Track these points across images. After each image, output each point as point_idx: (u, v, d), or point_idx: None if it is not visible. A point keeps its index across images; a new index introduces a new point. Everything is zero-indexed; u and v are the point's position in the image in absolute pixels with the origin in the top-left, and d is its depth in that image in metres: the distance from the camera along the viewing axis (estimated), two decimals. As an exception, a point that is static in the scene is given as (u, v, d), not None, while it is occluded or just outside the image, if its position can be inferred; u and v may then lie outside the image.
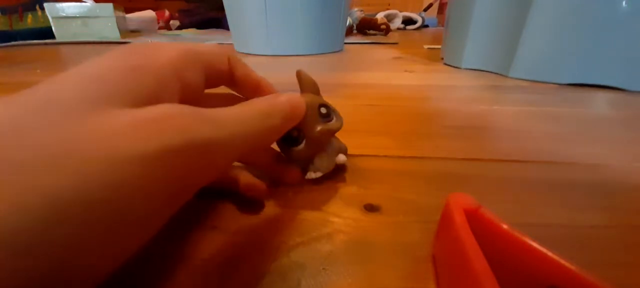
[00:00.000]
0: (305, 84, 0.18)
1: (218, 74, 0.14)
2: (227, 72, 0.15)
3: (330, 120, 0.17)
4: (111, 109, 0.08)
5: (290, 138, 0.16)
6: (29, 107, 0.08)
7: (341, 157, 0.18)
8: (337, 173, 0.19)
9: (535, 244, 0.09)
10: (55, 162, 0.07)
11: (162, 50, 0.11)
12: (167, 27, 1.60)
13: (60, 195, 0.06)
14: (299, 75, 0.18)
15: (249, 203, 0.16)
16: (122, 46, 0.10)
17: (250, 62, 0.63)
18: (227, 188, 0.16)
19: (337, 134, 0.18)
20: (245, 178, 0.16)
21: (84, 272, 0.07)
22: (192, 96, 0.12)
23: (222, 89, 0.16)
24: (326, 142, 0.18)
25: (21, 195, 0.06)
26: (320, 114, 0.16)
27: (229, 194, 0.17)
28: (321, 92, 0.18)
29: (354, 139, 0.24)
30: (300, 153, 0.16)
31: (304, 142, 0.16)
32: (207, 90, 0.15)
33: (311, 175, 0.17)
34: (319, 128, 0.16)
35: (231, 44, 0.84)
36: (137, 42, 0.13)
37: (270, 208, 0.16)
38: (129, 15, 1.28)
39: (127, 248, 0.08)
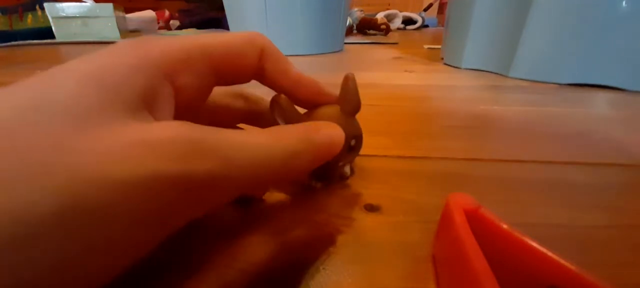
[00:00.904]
0: (349, 102, 0.15)
1: (239, 72, 0.12)
2: (254, 68, 0.13)
3: (354, 151, 0.16)
4: (109, 113, 0.08)
5: None
6: (18, 108, 0.07)
7: (346, 169, 0.17)
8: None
9: (535, 244, 0.09)
10: (43, 175, 0.06)
11: (153, 48, 0.10)
12: (167, 27, 1.60)
13: (36, 213, 0.06)
14: (347, 85, 0.15)
15: (249, 203, 0.16)
16: (120, 42, 0.10)
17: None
18: None
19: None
20: None
21: None
22: (191, 100, 0.11)
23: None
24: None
25: None
26: (349, 147, 0.15)
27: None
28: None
29: (354, 139, 0.24)
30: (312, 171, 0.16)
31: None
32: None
33: (316, 184, 0.17)
34: (340, 163, 0.15)
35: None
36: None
37: (270, 208, 0.16)
38: (129, 15, 1.28)
39: (108, 272, 0.08)
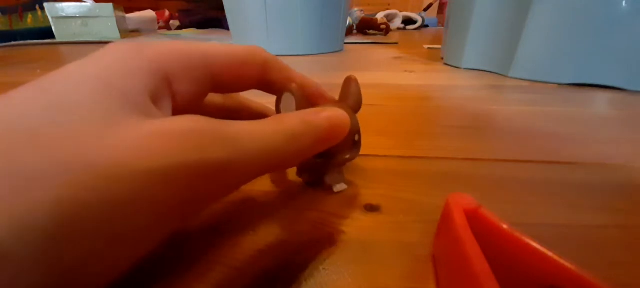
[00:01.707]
0: (353, 99, 0.16)
1: (239, 81, 0.13)
2: (255, 79, 0.13)
3: (357, 147, 0.16)
4: (123, 116, 0.08)
5: None
6: (37, 108, 0.07)
7: (341, 186, 0.17)
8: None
9: (535, 244, 0.09)
10: (66, 171, 0.06)
11: (155, 52, 0.10)
12: (167, 27, 1.60)
13: (66, 208, 0.06)
14: (350, 85, 0.16)
15: (249, 203, 0.16)
16: (120, 44, 0.10)
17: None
18: None
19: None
20: None
21: (82, 283, 0.07)
22: (186, 104, 0.11)
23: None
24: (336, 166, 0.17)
25: (22, 205, 0.06)
26: (353, 142, 0.16)
27: (229, 195, 0.17)
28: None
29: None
30: (316, 164, 0.16)
31: (330, 157, 0.15)
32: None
33: (338, 188, 0.17)
34: (347, 156, 0.15)
35: (231, 44, 0.84)
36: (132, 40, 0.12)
37: (270, 209, 0.16)
38: (129, 15, 1.28)
39: (128, 259, 0.08)
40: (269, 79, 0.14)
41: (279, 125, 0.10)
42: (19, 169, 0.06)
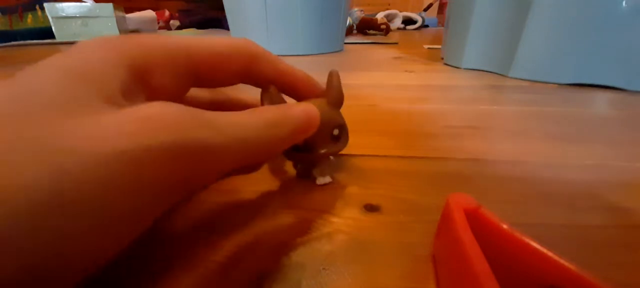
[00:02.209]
0: (333, 94, 0.16)
1: (222, 76, 0.13)
2: (239, 73, 0.13)
3: (339, 141, 0.17)
4: (96, 103, 0.08)
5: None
6: (7, 98, 0.07)
7: (324, 179, 0.18)
8: (337, 173, 0.19)
9: (535, 244, 0.09)
10: (39, 155, 0.07)
11: (133, 46, 0.10)
12: (167, 27, 1.60)
13: (42, 189, 0.06)
14: (331, 79, 0.17)
15: (249, 203, 0.16)
16: (94, 39, 0.10)
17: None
18: None
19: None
20: None
21: (65, 268, 0.07)
22: (169, 99, 0.11)
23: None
24: (326, 160, 0.18)
25: (9, 189, 0.06)
26: (332, 136, 0.16)
27: (228, 194, 0.17)
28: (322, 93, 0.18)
29: (354, 139, 0.24)
30: (301, 158, 0.17)
31: (308, 150, 0.16)
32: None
33: (321, 180, 0.18)
34: (323, 151, 0.16)
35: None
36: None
37: (271, 209, 0.16)
38: (129, 15, 1.28)
39: (113, 244, 0.08)
40: (257, 71, 0.14)
41: (257, 115, 0.11)
42: None
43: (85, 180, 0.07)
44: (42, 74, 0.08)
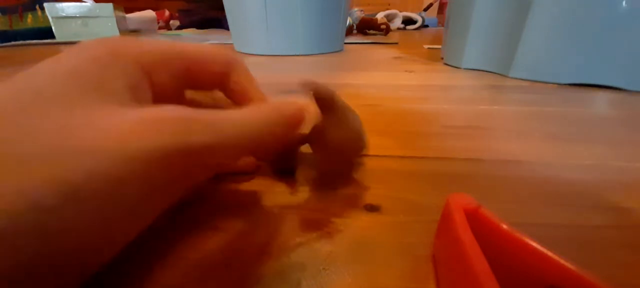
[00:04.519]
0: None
1: (207, 77, 0.14)
2: (218, 78, 0.14)
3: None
4: (105, 102, 0.09)
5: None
6: (26, 99, 0.08)
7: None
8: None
9: (535, 244, 0.09)
10: (64, 154, 0.07)
11: (133, 49, 0.11)
12: (167, 27, 1.60)
13: (68, 185, 0.07)
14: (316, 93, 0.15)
15: (249, 203, 0.16)
16: (98, 41, 0.10)
17: (250, 62, 0.63)
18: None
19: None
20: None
21: (74, 262, 0.08)
22: (166, 98, 0.12)
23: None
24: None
25: (29, 184, 0.06)
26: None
27: (230, 194, 0.17)
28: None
29: (354, 139, 0.24)
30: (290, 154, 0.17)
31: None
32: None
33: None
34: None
35: (231, 44, 0.84)
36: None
37: (271, 209, 0.16)
38: (129, 15, 1.28)
39: (125, 237, 0.09)
40: (232, 79, 0.14)
41: (256, 113, 0.11)
42: (9, 153, 0.07)
43: (99, 177, 0.07)
44: (50, 74, 0.09)
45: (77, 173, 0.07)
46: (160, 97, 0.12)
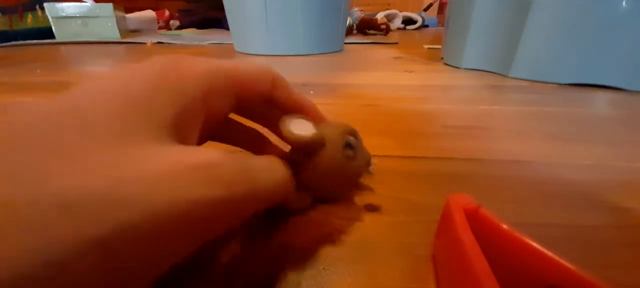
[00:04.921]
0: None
1: (254, 96, 0.14)
2: (266, 94, 0.14)
3: (355, 149, 0.15)
4: (152, 141, 0.08)
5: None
6: (67, 132, 0.07)
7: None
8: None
9: (535, 244, 0.09)
10: (102, 204, 0.06)
11: (192, 71, 0.11)
12: (167, 27, 1.60)
13: (104, 238, 0.06)
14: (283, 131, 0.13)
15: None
16: (152, 59, 0.10)
17: (250, 62, 0.63)
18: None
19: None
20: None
21: None
22: (216, 121, 0.12)
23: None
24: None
25: (68, 235, 0.06)
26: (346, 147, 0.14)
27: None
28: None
29: (354, 139, 0.24)
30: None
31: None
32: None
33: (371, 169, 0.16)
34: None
35: (231, 43, 0.84)
36: (170, 55, 0.11)
37: (270, 209, 0.16)
38: (129, 15, 1.28)
39: (153, 279, 0.08)
40: (275, 94, 0.14)
41: (282, 166, 0.12)
42: (55, 197, 0.06)
43: (146, 228, 0.07)
44: (98, 100, 0.08)
45: (110, 227, 0.06)
46: (211, 119, 0.12)
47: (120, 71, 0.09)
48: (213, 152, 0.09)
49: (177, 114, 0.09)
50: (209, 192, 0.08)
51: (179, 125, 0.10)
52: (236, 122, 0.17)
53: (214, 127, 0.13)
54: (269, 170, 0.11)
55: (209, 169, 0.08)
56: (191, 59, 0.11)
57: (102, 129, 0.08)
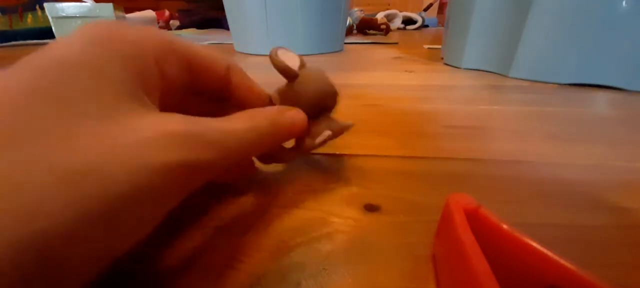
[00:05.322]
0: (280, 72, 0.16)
1: (210, 76, 0.14)
2: (222, 76, 0.14)
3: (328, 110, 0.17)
4: (125, 109, 0.09)
5: None
6: (38, 108, 0.07)
7: (326, 133, 0.17)
8: (337, 173, 0.19)
9: (535, 244, 0.09)
10: (88, 172, 0.07)
11: (141, 36, 0.11)
12: (167, 27, 1.60)
13: (91, 206, 0.07)
14: (273, 61, 0.16)
15: (248, 204, 0.16)
16: (83, 28, 0.10)
17: (250, 62, 0.63)
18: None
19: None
20: None
21: (72, 269, 0.07)
22: (173, 91, 0.12)
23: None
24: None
25: (59, 203, 0.07)
26: (320, 109, 0.17)
27: (230, 194, 0.17)
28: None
29: (354, 139, 0.24)
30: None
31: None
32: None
33: (320, 138, 0.16)
34: (324, 131, 0.16)
35: (231, 43, 0.84)
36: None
37: (270, 209, 0.16)
38: (129, 15, 1.28)
39: (121, 247, 0.09)
40: (231, 79, 0.15)
41: (252, 123, 0.12)
42: (53, 167, 0.07)
43: (132, 190, 0.08)
44: (68, 73, 0.08)
45: (99, 192, 0.07)
46: (167, 87, 0.12)
47: (65, 41, 0.09)
48: (183, 121, 0.10)
49: (142, 80, 0.10)
50: (178, 157, 0.09)
51: (144, 91, 0.10)
52: (200, 97, 0.16)
53: (173, 99, 0.13)
54: (237, 135, 0.11)
55: (184, 137, 0.09)
56: (131, 26, 0.11)
57: (79, 106, 0.08)
